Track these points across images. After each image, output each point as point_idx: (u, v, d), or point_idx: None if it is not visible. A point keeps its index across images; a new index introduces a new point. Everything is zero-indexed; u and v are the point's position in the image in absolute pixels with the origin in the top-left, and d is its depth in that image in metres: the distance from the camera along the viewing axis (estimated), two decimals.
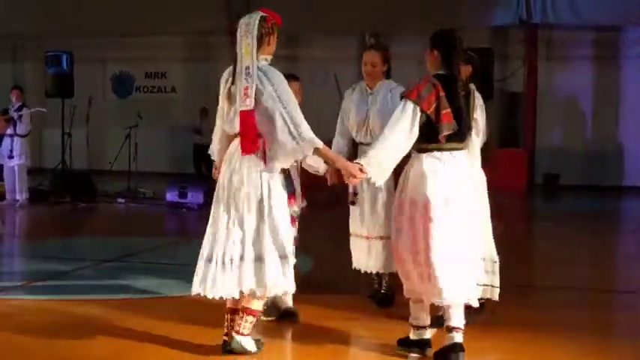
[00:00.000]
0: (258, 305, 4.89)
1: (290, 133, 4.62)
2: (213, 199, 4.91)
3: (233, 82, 4.78)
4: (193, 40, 20.02)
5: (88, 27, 18.66)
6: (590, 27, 17.35)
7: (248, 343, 4.91)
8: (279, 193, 4.79)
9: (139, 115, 16.02)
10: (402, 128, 4.74)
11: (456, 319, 4.76)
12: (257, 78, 4.68)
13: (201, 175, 17.90)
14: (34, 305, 6.31)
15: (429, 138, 4.78)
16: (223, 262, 4.74)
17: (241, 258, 4.72)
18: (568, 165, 17.34)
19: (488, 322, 5.38)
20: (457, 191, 4.77)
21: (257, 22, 4.75)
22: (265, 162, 4.73)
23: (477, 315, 5.30)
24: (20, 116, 13.16)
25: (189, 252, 9.30)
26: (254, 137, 4.72)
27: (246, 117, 4.70)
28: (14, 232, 10.08)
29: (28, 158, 13.40)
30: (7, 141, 13.25)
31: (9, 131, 13.14)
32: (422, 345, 4.98)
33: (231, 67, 4.86)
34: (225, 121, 4.89)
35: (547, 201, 16.48)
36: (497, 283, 5.44)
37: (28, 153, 13.40)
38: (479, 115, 5.17)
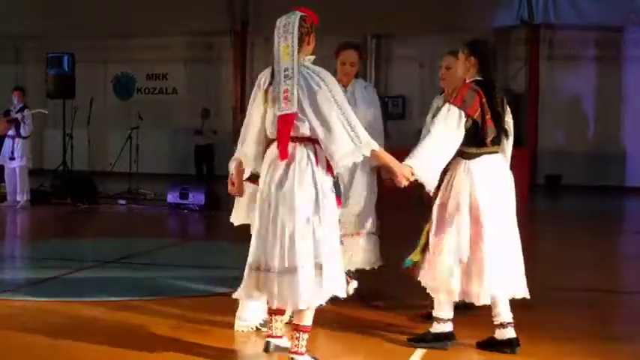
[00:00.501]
0: (309, 320, 4.64)
1: (348, 134, 4.48)
2: (258, 206, 4.65)
3: (271, 84, 4.61)
4: (195, 41, 20.05)
5: (89, 28, 18.68)
6: (592, 27, 17.36)
7: None
8: (330, 199, 4.60)
9: (140, 117, 16.03)
10: (448, 131, 4.83)
11: (506, 314, 4.95)
12: (305, 78, 4.52)
13: (202, 176, 17.92)
14: (35, 306, 6.28)
15: (472, 142, 4.91)
16: (278, 271, 4.48)
17: (302, 266, 4.45)
18: (570, 165, 17.35)
19: (488, 322, 5.35)
20: (500, 192, 4.96)
21: (297, 22, 4.59)
22: (317, 164, 4.54)
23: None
24: (23, 117, 13.15)
25: (191, 253, 9.43)
26: (288, 142, 4.52)
27: (284, 121, 4.51)
28: (15, 233, 10.06)
29: (30, 159, 13.38)
30: (8, 142, 13.24)
31: (10, 132, 13.14)
32: (447, 338, 5.06)
33: (268, 70, 4.70)
34: (267, 125, 4.68)
35: (549, 201, 16.46)
36: None
37: (30, 154, 13.39)
38: (509, 118, 5.21)
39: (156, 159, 19.05)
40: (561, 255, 9.08)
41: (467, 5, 17.01)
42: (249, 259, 4.65)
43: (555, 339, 5.32)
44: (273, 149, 4.61)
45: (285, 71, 4.55)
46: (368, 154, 4.56)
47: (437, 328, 5.09)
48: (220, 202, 13.12)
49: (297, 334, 4.63)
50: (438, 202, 5.02)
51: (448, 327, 5.08)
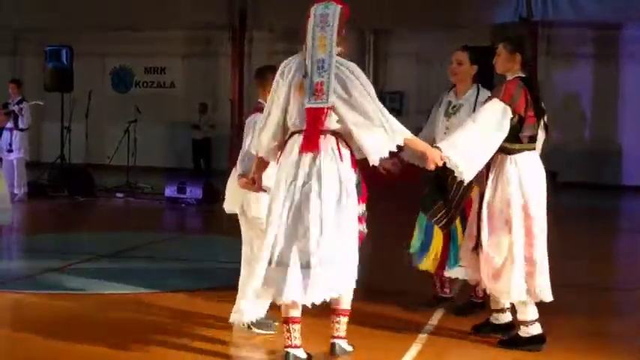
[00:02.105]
0: (348, 304, 4.70)
1: (382, 125, 4.43)
2: (275, 199, 4.52)
3: (305, 76, 4.47)
4: (193, 35, 20.03)
5: (88, 21, 18.64)
6: (590, 24, 17.34)
7: (346, 345, 4.79)
8: (354, 193, 4.54)
9: (138, 110, 16.02)
10: (490, 124, 4.80)
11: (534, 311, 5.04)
12: (337, 71, 4.43)
13: (200, 170, 17.92)
14: (32, 299, 6.29)
15: (516, 139, 4.91)
16: (308, 266, 4.37)
17: (329, 259, 4.39)
18: (567, 163, 17.32)
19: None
20: (542, 189, 5.00)
21: (337, 14, 4.49)
22: (341, 159, 4.47)
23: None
24: (21, 109, 13.14)
25: (188, 247, 9.43)
26: (318, 135, 4.44)
27: (316, 113, 4.42)
28: (12, 226, 10.06)
29: (27, 152, 13.38)
30: (6, 135, 13.24)
31: (8, 125, 13.13)
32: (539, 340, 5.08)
33: (292, 59, 4.61)
34: (288, 117, 4.57)
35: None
36: None
37: (27, 147, 13.38)
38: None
39: (154, 152, 19.04)
40: (557, 251, 9.06)
41: (465, 1, 16.99)
42: (268, 255, 4.46)
43: (549, 335, 5.33)
44: (297, 140, 4.50)
45: (319, 62, 4.44)
46: (402, 142, 4.53)
47: (526, 331, 5.06)
48: (218, 196, 13.14)
49: (338, 319, 4.69)
50: (485, 201, 4.98)
51: (537, 329, 5.06)
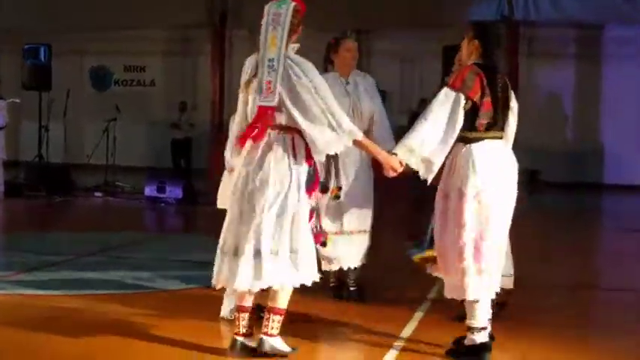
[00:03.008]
0: (284, 303, 4.64)
1: (330, 124, 4.49)
2: (232, 193, 4.69)
3: (255, 75, 4.58)
4: (173, 33, 19.92)
5: (66, 19, 18.48)
6: (572, 24, 17.41)
7: (280, 344, 4.65)
8: (302, 187, 4.59)
9: (118, 109, 15.90)
10: (444, 116, 4.65)
11: (485, 316, 4.74)
12: (288, 69, 4.50)
13: (180, 169, 17.82)
14: (10, 300, 6.18)
15: (472, 127, 4.71)
16: (244, 254, 4.49)
17: (271, 251, 4.49)
18: (548, 162, 17.37)
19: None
20: (502, 180, 4.74)
21: (289, 13, 4.55)
22: (295, 157, 4.55)
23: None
24: None
25: (168, 247, 9.34)
26: (263, 132, 4.55)
27: (263, 111, 4.52)
28: None
29: (4, 151, 13.22)
30: None
31: None
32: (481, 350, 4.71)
33: (252, 57, 4.69)
34: (247, 111, 4.70)
35: (527, 197, 16.50)
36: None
37: (4, 146, 13.22)
38: (514, 104, 5.04)
39: (133, 152, 18.89)
40: (538, 250, 9.07)
41: (447, 1, 16.99)
42: (220, 243, 4.66)
43: (531, 334, 5.31)
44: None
45: (269, 62, 4.51)
46: (350, 144, 4.57)
47: (470, 338, 4.73)
48: (198, 195, 13.07)
49: (269, 316, 4.62)
50: (440, 191, 4.80)
51: (483, 337, 4.71)
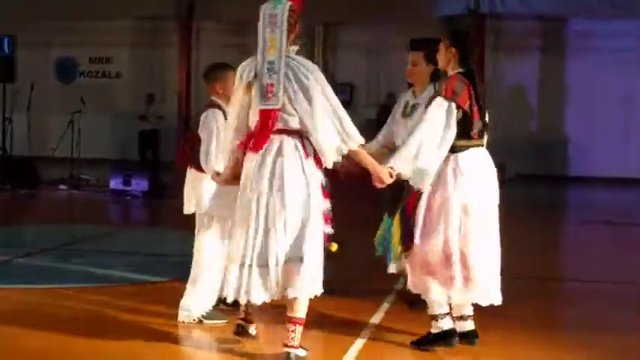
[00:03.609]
0: (303, 312, 4.51)
1: (335, 128, 4.39)
2: (240, 198, 4.52)
3: (255, 77, 4.44)
4: (140, 25, 19.75)
5: (31, 10, 18.25)
6: (537, 17, 17.53)
7: (302, 352, 4.58)
8: (319, 192, 4.49)
9: (83, 101, 15.73)
10: (438, 126, 4.65)
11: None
12: (293, 69, 4.38)
13: (146, 162, 17.71)
14: None
15: (461, 135, 4.72)
16: (271, 265, 4.37)
17: (287, 259, 4.39)
18: (514, 154, 17.50)
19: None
20: (487, 187, 4.82)
21: (285, 13, 4.42)
22: (307, 160, 4.43)
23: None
24: None
25: (134, 240, 9.29)
26: (267, 136, 4.40)
27: (267, 115, 4.38)
28: None
29: None
30: None
31: None
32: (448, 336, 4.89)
33: (249, 61, 4.54)
34: (251, 117, 4.52)
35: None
36: None
37: None
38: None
39: (98, 144, 18.72)
40: (505, 243, 9.12)
41: None
42: (235, 255, 4.45)
43: (501, 327, 5.34)
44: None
45: (269, 64, 4.40)
46: (355, 147, 4.47)
47: (437, 326, 4.87)
48: (164, 188, 13.00)
49: (293, 327, 4.50)
50: (425, 198, 4.78)
51: (448, 323, 4.87)
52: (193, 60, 18.87)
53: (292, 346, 4.52)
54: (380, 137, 5.87)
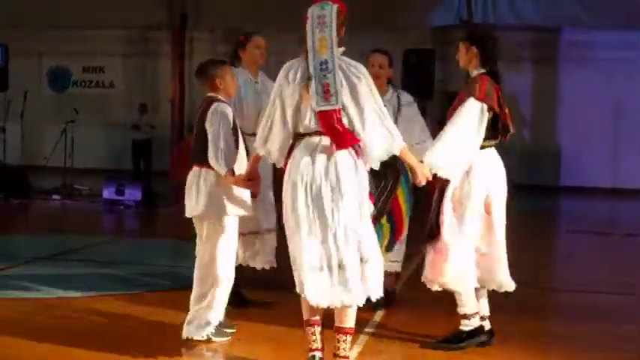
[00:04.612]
0: (353, 320, 4.45)
1: (386, 128, 4.42)
2: (294, 202, 4.38)
3: (309, 78, 4.36)
4: (132, 34, 19.75)
5: (24, 19, 18.27)
6: (529, 28, 17.59)
7: None
8: (367, 192, 4.47)
9: (76, 110, 15.72)
10: (471, 124, 4.79)
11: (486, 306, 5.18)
12: (344, 70, 4.39)
13: (139, 171, 17.68)
14: None
15: (488, 136, 4.89)
16: (333, 267, 4.31)
17: (356, 261, 4.34)
18: (505, 164, 17.51)
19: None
20: (502, 185, 5.03)
21: (334, 13, 4.44)
22: (358, 158, 4.39)
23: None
24: None
25: (127, 250, 9.27)
26: (345, 132, 4.34)
27: (328, 115, 4.31)
28: None
29: None
30: None
31: None
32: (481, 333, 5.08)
33: (294, 62, 4.51)
34: (299, 120, 4.44)
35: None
36: None
37: None
38: None
39: (92, 154, 18.70)
40: None
41: (406, 4, 17.08)
42: (306, 259, 4.32)
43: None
44: (309, 143, 4.39)
45: (323, 64, 4.36)
46: (398, 151, 4.49)
47: (467, 324, 5.06)
48: (158, 198, 12.99)
49: (344, 337, 4.45)
50: (449, 193, 4.92)
51: (477, 321, 5.06)
52: (186, 69, 18.88)
53: (344, 357, 4.47)
54: None
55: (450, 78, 17.69)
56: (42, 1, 17.96)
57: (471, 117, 4.81)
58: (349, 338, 4.47)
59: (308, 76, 4.38)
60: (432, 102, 14.34)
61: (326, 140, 4.37)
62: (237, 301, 5.72)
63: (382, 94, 5.55)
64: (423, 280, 5.10)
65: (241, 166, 5.00)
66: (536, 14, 16.77)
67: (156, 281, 6.92)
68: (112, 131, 19.71)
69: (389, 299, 5.79)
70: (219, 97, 5.15)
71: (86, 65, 20.68)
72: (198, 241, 5.17)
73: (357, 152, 4.40)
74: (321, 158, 4.36)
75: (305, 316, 4.50)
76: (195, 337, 5.10)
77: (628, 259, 9.49)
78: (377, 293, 4.40)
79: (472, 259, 4.95)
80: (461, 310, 5.05)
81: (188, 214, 5.12)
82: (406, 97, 6.19)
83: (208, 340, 5.11)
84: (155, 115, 18.55)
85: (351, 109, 4.37)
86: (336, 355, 4.46)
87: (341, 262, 4.30)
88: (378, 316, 5.80)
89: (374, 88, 4.44)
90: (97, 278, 7.17)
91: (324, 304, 4.34)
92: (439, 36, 17.58)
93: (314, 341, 4.48)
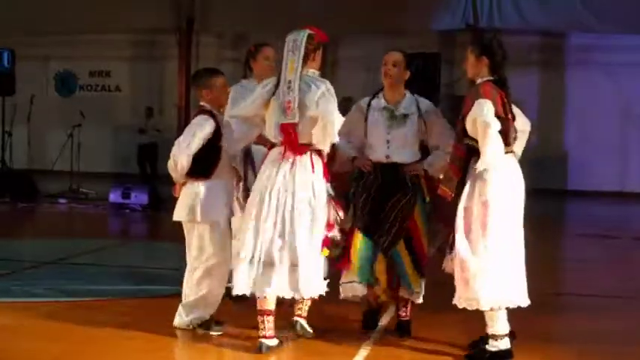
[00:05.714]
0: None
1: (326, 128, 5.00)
2: (254, 201, 5.00)
3: (274, 94, 5.02)
4: (139, 38, 19.80)
5: (30, 24, 18.30)
6: (536, 32, 17.56)
7: (307, 326, 5.28)
8: (322, 202, 5.01)
9: (82, 114, 15.75)
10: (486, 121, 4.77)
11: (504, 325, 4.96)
12: (307, 84, 4.98)
13: (146, 175, 17.71)
14: None
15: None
16: (281, 264, 4.88)
17: (306, 263, 4.91)
18: None
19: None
20: (514, 194, 4.97)
21: (304, 39, 5.03)
22: (313, 170, 4.99)
23: None
24: None
25: (133, 253, 9.27)
26: (296, 145, 4.97)
27: (287, 128, 4.97)
28: None
29: None
30: None
31: None
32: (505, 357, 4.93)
33: (272, 79, 5.14)
34: (267, 129, 5.12)
35: None
36: None
37: None
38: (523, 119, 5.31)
39: (98, 157, 18.75)
40: None
41: (412, 8, 17.04)
42: (243, 252, 4.91)
43: None
44: (275, 152, 5.03)
45: (288, 83, 4.96)
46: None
47: (494, 345, 4.89)
48: (163, 202, 12.99)
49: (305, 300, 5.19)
50: (462, 205, 4.84)
51: (506, 343, 4.90)
52: (192, 73, 18.90)
53: (300, 316, 5.26)
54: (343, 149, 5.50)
55: (455, 82, 17.71)
56: (48, 5, 17.97)
57: (485, 114, 4.70)
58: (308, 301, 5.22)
59: (274, 92, 5.04)
60: (438, 106, 14.32)
61: (287, 149, 4.98)
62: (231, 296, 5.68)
63: (397, 97, 5.52)
64: (454, 302, 4.96)
65: (221, 173, 5.38)
66: (542, 18, 16.72)
67: (162, 285, 6.91)
68: (119, 135, 19.76)
69: (406, 330, 5.53)
70: (207, 107, 5.36)
71: (93, 69, 20.72)
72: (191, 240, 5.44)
73: (312, 165, 5.00)
74: (282, 167, 4.97)
75: (261, 306, 4.96)
76: (181, 327, 5.38)
77: (636, 262, 9.46)
78: (308, 293, 4.99)
79: (502, 275, 4.81)
80: (489, 331, 4.90)
81: (176, 217, 5.50)
82: (425, 103, 5.65)
83: (194, 330, 5.35)
84: (161, 119, 18.60)
85: (311, 121, 4.95)
86: (299, 316, 5.28)
87: (271, 260, 4.85)
88: (384, 321, 5.77)
89: (334, 97, 5.06)
90: (104, 282, 7.15)
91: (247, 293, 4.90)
92: (445, 40, 17.57)
93: (263, 329, 4.96)
